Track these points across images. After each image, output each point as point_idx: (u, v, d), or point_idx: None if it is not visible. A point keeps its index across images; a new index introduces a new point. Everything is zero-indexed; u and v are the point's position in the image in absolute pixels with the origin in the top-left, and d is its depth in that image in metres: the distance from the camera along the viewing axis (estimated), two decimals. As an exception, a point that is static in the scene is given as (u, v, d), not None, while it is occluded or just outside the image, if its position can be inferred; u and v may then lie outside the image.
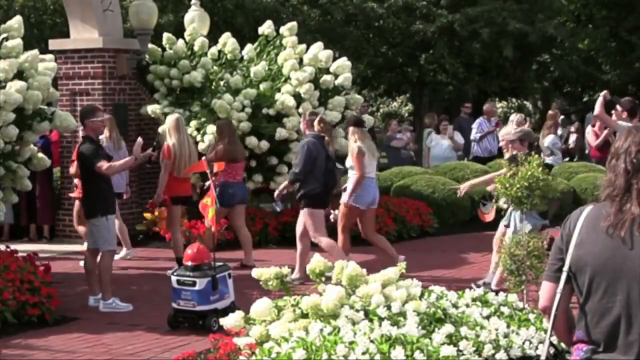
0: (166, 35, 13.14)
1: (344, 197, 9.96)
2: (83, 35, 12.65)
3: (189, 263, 7.80)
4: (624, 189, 3.11)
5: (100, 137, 11.21)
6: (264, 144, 12.02)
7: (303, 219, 9.74)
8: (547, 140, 16.49)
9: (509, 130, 9.09)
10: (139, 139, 9.94)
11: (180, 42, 13.08)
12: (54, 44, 13.03)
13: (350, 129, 9.99)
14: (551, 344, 3.39)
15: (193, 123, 12.28)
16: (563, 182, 14.58)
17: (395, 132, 18.34)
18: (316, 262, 5.64)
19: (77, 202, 10.86)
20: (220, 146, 10.48)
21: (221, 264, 8.06)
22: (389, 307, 5.14)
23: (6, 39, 9.33)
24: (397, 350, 4.63)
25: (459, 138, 17.05)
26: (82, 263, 9.35)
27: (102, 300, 8.68)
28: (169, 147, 10.10)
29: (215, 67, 12.92)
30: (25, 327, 7.94)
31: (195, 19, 13.57)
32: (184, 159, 10.05)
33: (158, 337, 7.61)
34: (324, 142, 9.78)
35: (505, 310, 5.64)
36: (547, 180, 7.42)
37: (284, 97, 12.13)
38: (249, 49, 13.06)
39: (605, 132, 16.13)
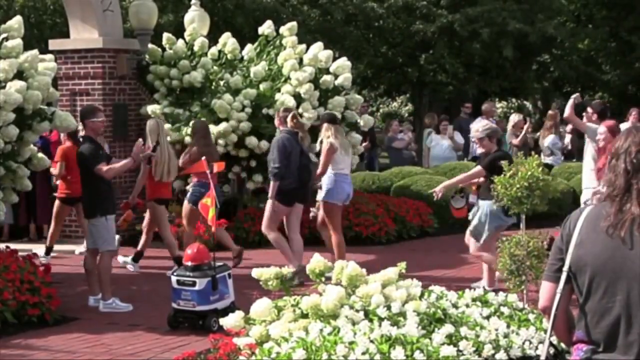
0: (166, 36, 13.14)
1: (320, 196, 10.08)
2: (83, 35, 12.65)
3: (189, 263, 7.80)
4: (624, 189, 3.11)
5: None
6: (264, 144, 12.02)
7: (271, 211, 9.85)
8: (547, 140, 16.51)
9: (477, 128, 9.15)
10: (139, 140, 9.96)
11: (180, 42, 13.09)
12: (54, 44, 13.03)
13: (325, 125, 10.11)
14: (551, 344, 3.39)
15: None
16: (563, 182, 14.59)
17: (396, 132, 18.34)
18: (316, 262, 5.64)
19: (57, 202, 10.87)
20: (194, 148, 10.48)
21: (221, 264, 8.06)
22: (388, 307, 5.14)
23: (6, 39, 9.33)
24: (397, 351, 4.63)
25: (459, 138, 17.05)
26: (40, 257, 9.30)
27: (102, 300, 8.68)
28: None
29: (215, 67, 12.92)
30: (25, 327, 7.93)
31: (195, 19, 13.57)
32: (163, 162, 10.05)
33: (158, 337, 7.61)
34: (298, 137, 9.86)
35: (505, 310, 5.64)
36: (547, 181, 7.42)
37: (284, 97, 12.13)
38: (249, 49, 13.06)
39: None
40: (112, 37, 12.68)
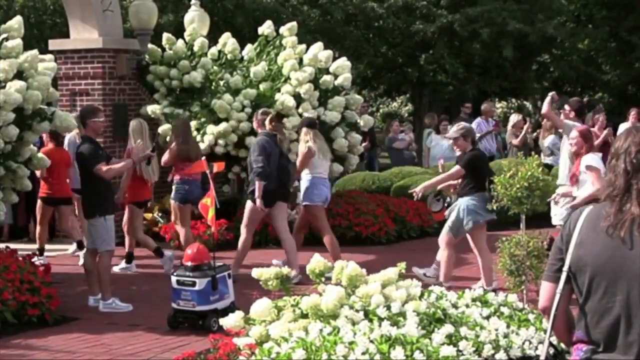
0: (166, 36, 13.14)
1: (300, 199, 10.27)
2: (83, 35, 12.65)
3: (189, 263, 7.80)
4: (623, 189, 3.11)
5: (68, 135, 11.34)
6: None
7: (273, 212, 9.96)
8: (547, 140, 16.49)
9: (453, 129, 9.22)
10: (139, 141, 9.97)
11: (180, 42, 13.09)
12: (53, 44, 13.03)
13: (303, 129, 10.32)
14: (551, 344, 3.39)
15: (193, 123, 12.28)
16: (563, 182, 14.57)
17: (397, 133, 18.33)
18: (316, 262, 5.64)
19: (39, 202, 10.97)
20: (174, 145, 10.52)
21: (221, 264, 8.06)
22: (388, 307, 5.14)
23: (6, 39, 9.32)
24: (397, 351, 4.62)
25: (459, 138, 17.01)
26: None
27: (101, 300, 8.68)
28: (133, 149, 10.25)
29: (215, 68, 12.92)
30: (25, 327, 7.93)
31: (195, 19, 13.57)
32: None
33: (158, 337, 7.61)
34: (277, 139, 9.97)
35: (505, 310, 5.64)
36: (547, 181, 7.42)
37: (283, 97, 12.13)
38: (249, 49, 13.06)
39: (605, 132, 16.13)
40: (112, 37, 12.68)
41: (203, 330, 7.43)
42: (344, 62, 12.87)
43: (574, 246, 3.17)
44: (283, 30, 12.88)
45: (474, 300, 5.74)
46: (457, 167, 8.92)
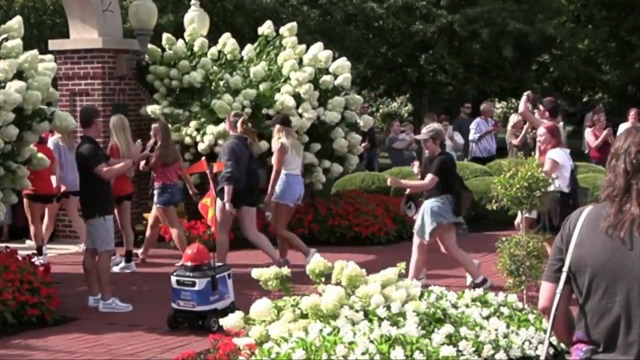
0: (166, 36, 13.14)
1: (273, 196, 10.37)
2: (83, 35, 12.65)
3: (189, 263, 7.80)
4: (623, 190, 3.11)
5: (52, 138, 11.37)
6: (264, 144, 12.02)
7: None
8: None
9: (423, 131, 9.25)
10: (138, 141, 9.97)
11: (180, 42, 13.08)
12: (53, 44, 13.02)
13: (277, 126, 10.39)
14: (551, 344, 3.39)
15: (193, 123, 12.29)
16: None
17: (397, 133, 18.31)
18: (316, 262, 5.64)
19: (25, 200, 10.99)
20: (157, 149, 10.59)
21: (221, 264, 8.05)
22: (388, 308, 5.14)
23: (6, 39, 9.32)
24: (397, 351, 4.63)
25: (458, 138, 17.04)
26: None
27: (101, 300, 8.68)
28: (116, 145, 10.25)
29: (215, 68, 12.92)
30: (25, 327, 7.93)
31: (195, 19, 13.56)
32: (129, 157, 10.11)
33: (158, 337, 7.61)
34: (247, 142, 10.03)
35: (505, 310, 5.64)
36: (547, 181, 7.43)
37: (283, 98, 12.13)
38: (249, 49, 13.06)
39: (605, 132, 16.15)
40: (111, 38, 12.68)
41: (203, 330, 7.43)
42: (343, 62, 12.87)
43: (573, 246, 3.17)
44: (283, 30, 12.88)
45: (473, 300, 5.74)
46: (431, 175, 8.87)
